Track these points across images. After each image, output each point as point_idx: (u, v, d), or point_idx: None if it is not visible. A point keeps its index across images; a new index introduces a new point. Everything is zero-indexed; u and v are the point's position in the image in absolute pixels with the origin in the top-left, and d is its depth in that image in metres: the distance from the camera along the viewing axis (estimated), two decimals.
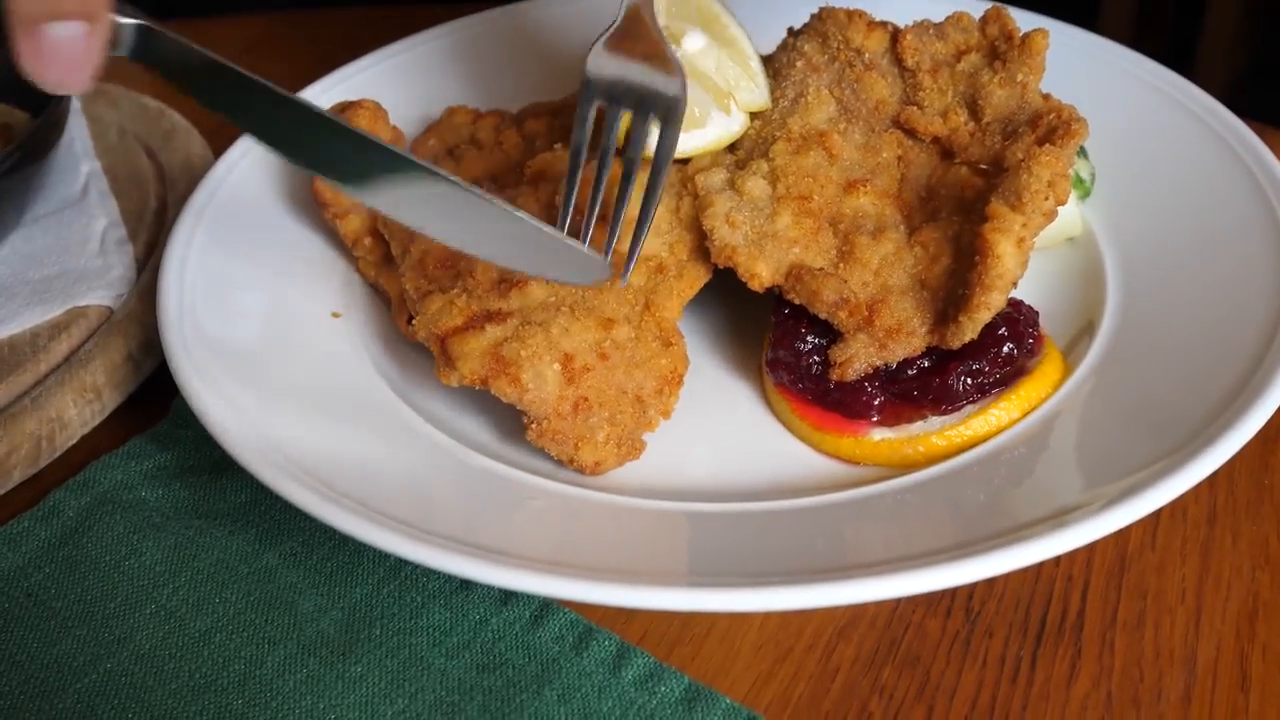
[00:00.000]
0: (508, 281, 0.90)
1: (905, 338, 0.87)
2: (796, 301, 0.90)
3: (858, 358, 0.87)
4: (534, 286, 0.90)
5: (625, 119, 0.92)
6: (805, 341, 0.91)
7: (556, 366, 0.86)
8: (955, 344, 0.85)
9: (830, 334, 0.91)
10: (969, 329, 0.84)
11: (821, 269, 0.90)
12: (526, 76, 1.28)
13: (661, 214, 0.95)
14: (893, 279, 0.89)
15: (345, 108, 1.05)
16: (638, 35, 0.93)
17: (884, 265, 0.90)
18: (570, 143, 0.92)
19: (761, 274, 0.90)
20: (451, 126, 1.14)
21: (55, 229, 1.14)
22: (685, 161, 0.98)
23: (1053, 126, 0.89)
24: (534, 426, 0.87)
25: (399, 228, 0.98)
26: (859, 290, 0.88)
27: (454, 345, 0.86)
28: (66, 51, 0.72)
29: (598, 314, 0.89)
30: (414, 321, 0.91)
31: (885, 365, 0.89)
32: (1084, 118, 0.89)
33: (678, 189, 0.96)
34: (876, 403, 0.89)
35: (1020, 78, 0.94)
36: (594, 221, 0.92)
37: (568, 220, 0.91)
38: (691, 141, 0.96)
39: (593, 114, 0.93)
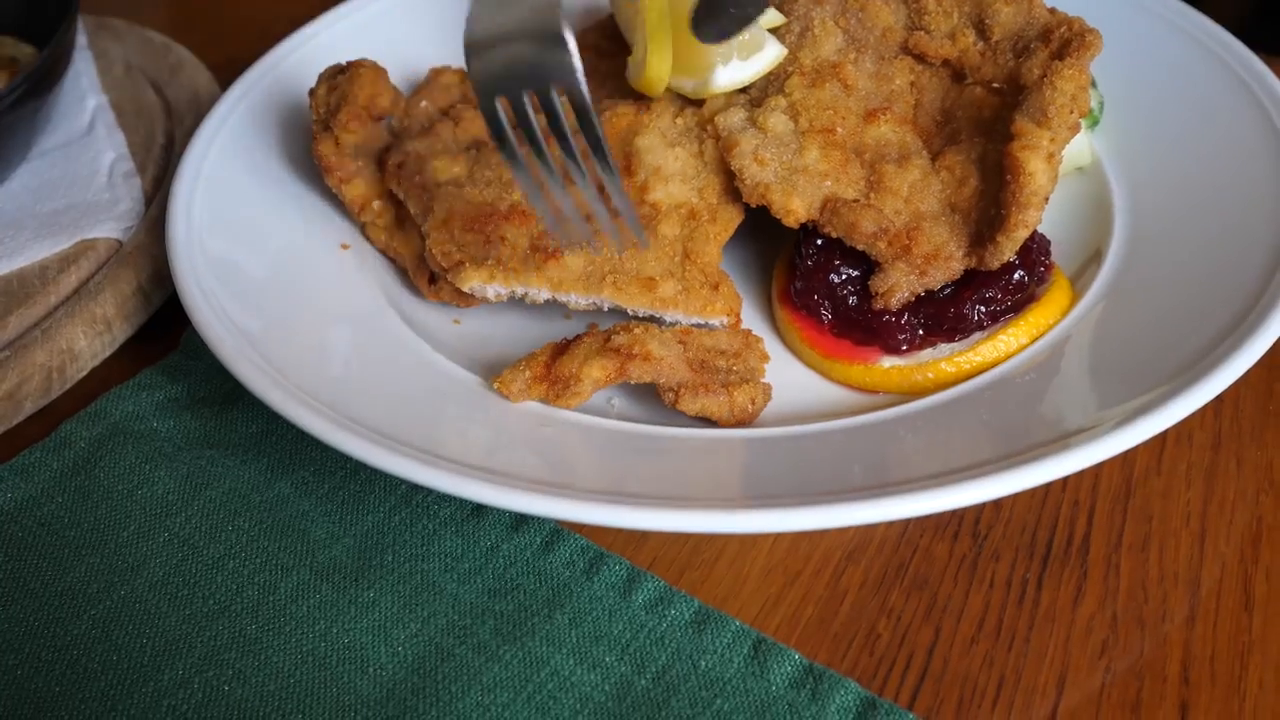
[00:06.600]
0: (541, 252, 0.90)
1: (943, 262, 0.87)
2: (833, 234, 0.89)
3: (899, 286, 0.87)
4: (569, 258, 0.90)
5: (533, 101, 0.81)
6: (839, 274, 0.92)
7: (668, 333, 0.86)
8: (995, 264, 0.86)
9: (863, 264, 0.91)
10: (1008, 248, 0.85)
11: (856, 200, 0.89)
12: None
13: (686, 159, 0.94)
14: (924, 205, 0.89)
15: (345, 69, 1.01)
16: None
17: (913, 192, 0.90)
18: (502, 149, 0.82)
19: (797, 209, 0.89)
20: (441, 87, 1.11)
21: (63, 162, 1.14)
22: (700, 103, 0.97)
23: (1066, 39, 0.88)
24: (680, 393, 0.85)
25: (416, 186, 0.96)
26: (893, 219, 0.88)
27: (563, 368, 0.85)
28: None
29: (639, 278, 0.89)
30: (436, 285, 0.90)
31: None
32: (1096, 28, 0.89)
33: (697, 133, 0.95)
34: (913, 332, 0.89)
35: None
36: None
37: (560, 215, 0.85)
38: (752, 67, 0.94)
39: (501, 109, 0.80)
